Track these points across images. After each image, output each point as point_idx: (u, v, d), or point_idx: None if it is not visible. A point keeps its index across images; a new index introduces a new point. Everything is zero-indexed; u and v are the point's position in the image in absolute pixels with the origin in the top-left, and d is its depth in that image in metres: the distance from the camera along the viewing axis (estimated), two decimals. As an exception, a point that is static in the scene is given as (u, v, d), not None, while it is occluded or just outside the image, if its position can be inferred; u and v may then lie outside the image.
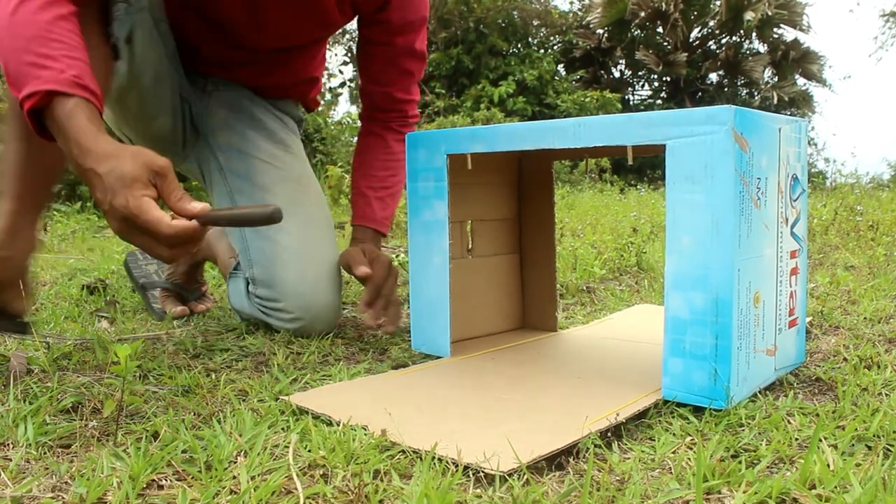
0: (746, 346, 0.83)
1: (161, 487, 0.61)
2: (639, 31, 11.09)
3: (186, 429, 0.74)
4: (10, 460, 0.66)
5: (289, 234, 1.17)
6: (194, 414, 0.81)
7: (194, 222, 0.80)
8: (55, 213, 3.92)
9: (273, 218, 0.82)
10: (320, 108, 7.38)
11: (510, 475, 0.62)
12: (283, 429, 0.75)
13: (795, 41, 10.94)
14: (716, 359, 0.80)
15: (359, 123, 1.34)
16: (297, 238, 1.18)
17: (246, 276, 1.21)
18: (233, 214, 0.89)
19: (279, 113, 1.33)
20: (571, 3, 15.36)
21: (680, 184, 0.82)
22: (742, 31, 10.96)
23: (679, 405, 0.83)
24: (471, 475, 0.63)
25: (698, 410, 0.81)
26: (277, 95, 1.34)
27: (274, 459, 0.66)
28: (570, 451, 0.69)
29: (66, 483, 0.62)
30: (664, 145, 0.83)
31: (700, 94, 11.13)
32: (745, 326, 0.82)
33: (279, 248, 1.16)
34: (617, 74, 11.91)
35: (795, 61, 10.86)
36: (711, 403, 0.80)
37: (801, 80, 11.24)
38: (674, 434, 0.74)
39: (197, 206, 0.81)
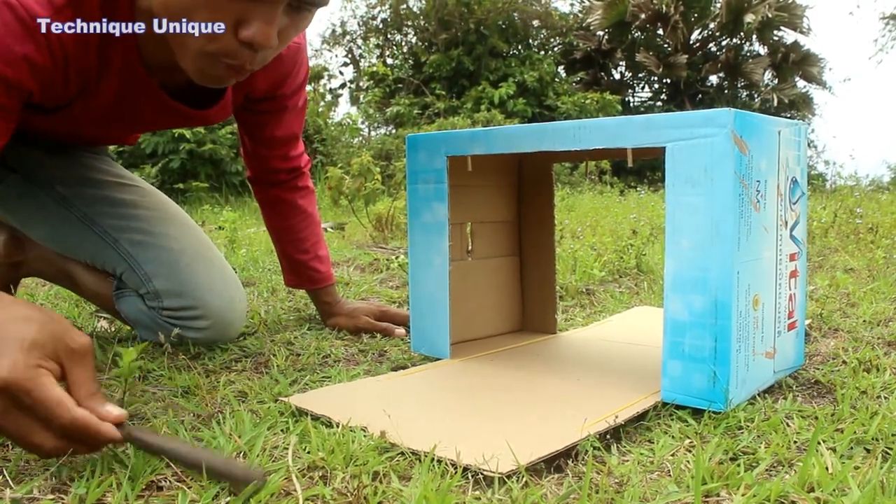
0: (745, 348, 0.83)
1: (160, 489, 0.61)
2: (639, 33, 11.09)
3: (186, 430, 0.74)
4: (10, 461, 0.66)
5: (176, 239, 1.11)
6: (194, 415, 0.81)
7: (109, 425, 0.61)
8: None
9: (251, 478, 0.59)
10: (320, 109, 7.39)
11: (509, 477, 0.62)
12: (282, 430, 0.75)
13: (795, 43, 10.94)
14: (715, 361, 0.80)
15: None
16: (186, 242, 1.12)
17: (141, 293, 1.11)
18: (190, 454, 0.62)
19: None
20: (572, 4, 15.37)
21: (679, 186, 0.82)
22: (742, 34, 10.97)
23: (678, 407, 0.83)
24: (470, 477, 0.63)
25: (697, 413, 0.81)
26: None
27: (273, 461, 0.67)
28: (569, 453, 0.70)
29: (65, 484, 0.62)
30: (664, 148, 0.83)
31: (700, 96, 11.12)
32: (745, 329, 0.82)
33: (176, 254, 1.10)
34: (617, 76, 11.91)
35: (795, 64, 10.86)
36: (710, 406, 0.80)
37: (801, 83, 11.24)
38: (672, 436, 0.74)
39: (114, 411, 0.62)
